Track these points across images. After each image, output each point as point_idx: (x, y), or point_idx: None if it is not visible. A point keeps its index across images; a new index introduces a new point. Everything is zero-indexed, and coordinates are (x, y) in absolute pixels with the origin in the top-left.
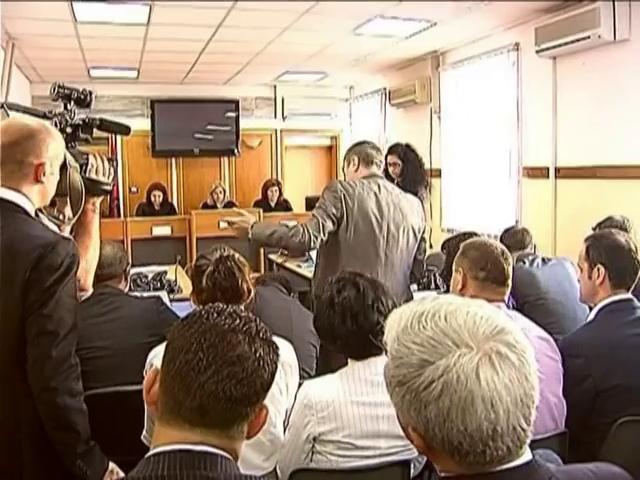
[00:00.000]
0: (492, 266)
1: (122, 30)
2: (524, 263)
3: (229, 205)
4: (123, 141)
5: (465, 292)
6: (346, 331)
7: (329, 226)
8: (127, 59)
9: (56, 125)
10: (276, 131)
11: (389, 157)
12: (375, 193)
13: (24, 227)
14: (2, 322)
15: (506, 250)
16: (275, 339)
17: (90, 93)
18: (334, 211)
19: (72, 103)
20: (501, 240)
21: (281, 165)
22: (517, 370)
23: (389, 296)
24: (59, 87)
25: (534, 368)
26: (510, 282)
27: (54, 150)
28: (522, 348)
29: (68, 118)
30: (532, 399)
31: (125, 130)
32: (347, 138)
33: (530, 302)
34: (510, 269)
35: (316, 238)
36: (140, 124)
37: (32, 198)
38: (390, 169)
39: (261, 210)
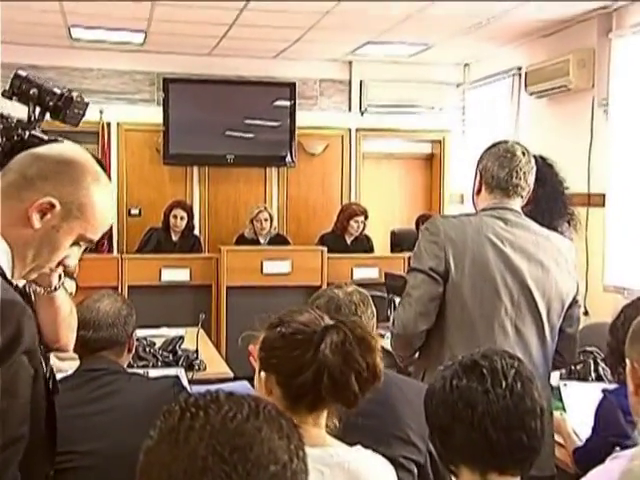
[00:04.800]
0: None
1: None
2: None
3: (277, 240)
4: (120, 138)
5: None
6: (490, 445)
7: (432, 289)
8: (129, 16)
9: None
10: (350, 131)
11: None
12: (499, 235)
13: None
14: None
15: None
16: (372, 456)
17: (69, 98)
18: (433, 265)
19: (33, 106)
20: None
21: (356, 182)
22: None
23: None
24: (15, 77)
25: None
26: None
27: (84, 200)
28: None
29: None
30: None
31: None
32: (458, 143)
33: None
34: None
35: (416, 322)
36: (146, 114)
37: (15, 244)
38: None
39: (325, 250)
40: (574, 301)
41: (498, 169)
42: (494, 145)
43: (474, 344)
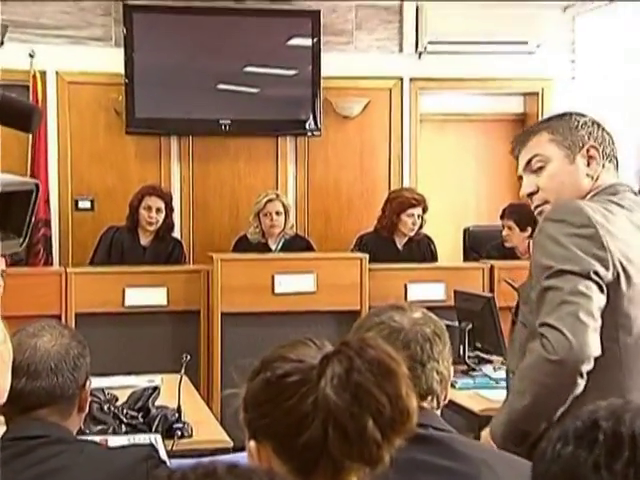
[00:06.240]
0: None
1: None
2: None
3: (296, 244)
4: (61, 94)
5: None
6: None
7: (600, 300)
8: None
9: None
10: (401, 82)
11: None
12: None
13: None
14: None
15: None
16: None
17: None
18: (598, 268)
19: None
20: None
21: (411, 157)
22: None
23: None
24: None
25: None
26: None
27: None
28: None
29: None
30: None
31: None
32: (566, 95)
33: None
34: None
35: (593, 341)
36: (99, 58)
37: None
38: None
39: (365, 258)
40: None
41: (607, 135)
42: (563, 114)
43: None
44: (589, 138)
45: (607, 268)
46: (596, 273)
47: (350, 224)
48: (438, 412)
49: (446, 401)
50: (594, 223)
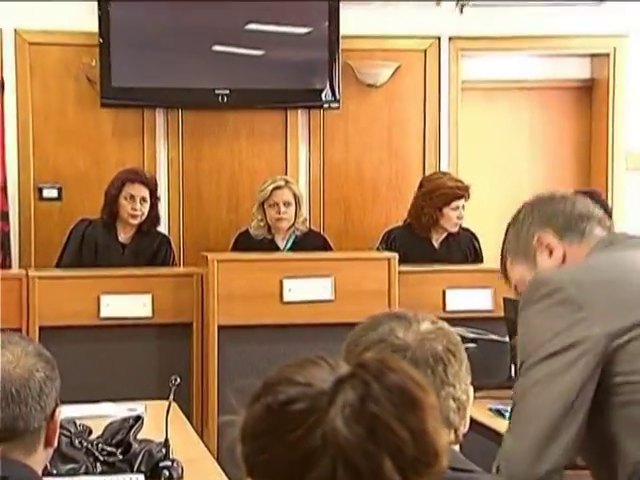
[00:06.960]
0: None
1: None
2: None
3: (309, 242)
4: (20, 57)
5: None
6: None
7: (570, 380)
8: None
9: None
10: (439, 42)
11: None
12: None
13: None
14: None
15: None
16: None
17: None
18: (582, 333)
19: None
20: None
21: (450, 132)
22: None
23: None
24: None
25: None
26: None
27: None
28: None
29: None
30: None
31: None
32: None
33: None
34: None
35: (539, 454)
36: (68, 14)
37: None
38: None
39: (394, 258)
40: None
41: (562, 203)
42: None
43: None
44: (532, 229)
45: (593, 327)
46: (573, 345)
47: (375, 217)
48: (457, 447)
49: (465, 429)
50: (561, 284)
